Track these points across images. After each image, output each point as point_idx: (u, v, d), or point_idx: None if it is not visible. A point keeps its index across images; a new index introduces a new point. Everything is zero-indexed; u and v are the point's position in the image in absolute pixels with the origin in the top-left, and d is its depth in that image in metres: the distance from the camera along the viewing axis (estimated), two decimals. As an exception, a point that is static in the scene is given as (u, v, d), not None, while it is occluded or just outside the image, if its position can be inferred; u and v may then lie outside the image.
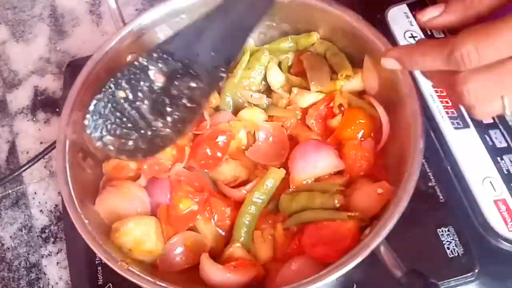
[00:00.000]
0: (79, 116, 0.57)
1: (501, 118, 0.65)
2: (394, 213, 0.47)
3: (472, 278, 0.55)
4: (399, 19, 0.73)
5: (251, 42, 0.68)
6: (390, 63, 0.42)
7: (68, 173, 0.53)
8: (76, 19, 0.89)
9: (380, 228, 0.46)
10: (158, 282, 0.47)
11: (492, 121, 0.64)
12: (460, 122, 0.64)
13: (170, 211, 0.56)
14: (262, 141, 0.61)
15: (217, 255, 0.55)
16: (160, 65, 0.50)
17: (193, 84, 0.50)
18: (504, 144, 0.62)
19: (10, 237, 0.69)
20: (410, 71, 0.53)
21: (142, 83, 0.50)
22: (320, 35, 0.64)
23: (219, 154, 0.58)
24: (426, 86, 0.64)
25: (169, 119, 0.50)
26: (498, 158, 0.61)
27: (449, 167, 0.62)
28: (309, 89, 0.61)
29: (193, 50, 0.49)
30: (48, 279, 0.66)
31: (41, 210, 0.71)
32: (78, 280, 0.62)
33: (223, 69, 0.49)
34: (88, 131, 0.49)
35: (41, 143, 0.76)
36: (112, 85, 0.50)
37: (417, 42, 0.41)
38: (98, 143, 0.49)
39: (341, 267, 0.45)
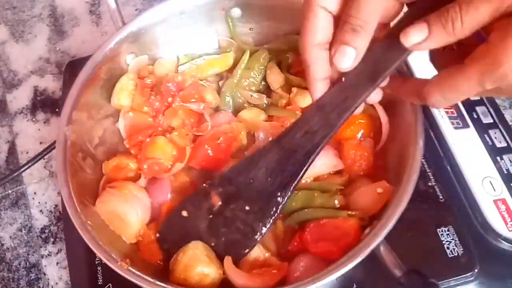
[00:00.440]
0: (79, 116, 0.57)
1: (501, 118, 0.65)
2: (394, 213, 0.47)
3: (471, 278, 0.55)
4: (399, 18, 0.73)
5: (251, 42, 0.68)
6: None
7: (68, 173, 0.53)
8: (75, 19, 0.89)
9: (380, 228, 0.46)
10: (158, 282, 0.47)
11: (491, 120, 0.64)
12: (460, 122, 0.64)
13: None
14: (261, 141, 0.61)
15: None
16: (220, 189, 0.53)
17: (247, 208, 0.51)
18: (504, 144, 0.63)
19: (10, 237, 0.69)
20: (408, 68, 0.55)
21: (202, 204, 0.53)
22: (320, 35, 0.64)
23: (220, 156, 0.58)
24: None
25: (222, 239, 0.52)
26: (498, 158, 0.61)
27: (448, 167, 0.62)
28: (308, 89, 0.61)
29: (249, 176, 0.51)
30: (48, 279, 0.66)
31: (41, 210, 0.71)
32: (78, 280, 0.62)
33: (279, 194, 0.50)
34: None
35: (40, 143, 0.76)
36: (178, 207, 0.54)
37: (404, 81, 0.47)
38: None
39: (341, 267, 0.45)
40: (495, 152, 0.62)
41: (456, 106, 0.65)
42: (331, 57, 0.44)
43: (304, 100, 0.61)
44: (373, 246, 0.45)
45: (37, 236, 0.69)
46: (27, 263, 0.67)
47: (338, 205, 0.54)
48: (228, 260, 0.51)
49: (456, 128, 0.64)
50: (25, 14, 0.90)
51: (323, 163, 0.56)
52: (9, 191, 0.73)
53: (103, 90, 0.61)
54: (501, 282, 0.56)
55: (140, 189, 0.57)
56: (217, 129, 0.59)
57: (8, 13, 0.91)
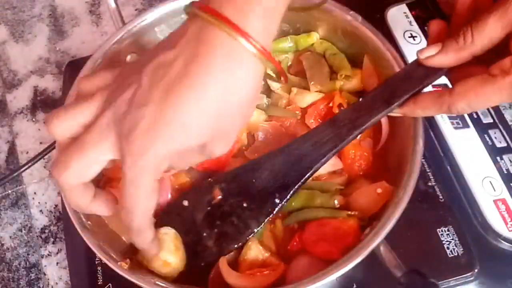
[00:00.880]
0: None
1: (501, 118, 0.65)
2: (394, 213, 0.47)
3: (471, 278, 0.55)
4: (399, 19, 0.73)
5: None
6: (395, 115, 0.49)
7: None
8: (75, 19, 0.89)
9: (380, 228, 0.46)
10: (158, 282, 0.47)
11: (491, 120, 0.64)
12: (460, 122, 0.64)
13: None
14: (261, 141, 0.61)
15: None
16: (222, 184, 0.53)
17: (244, 204, 0.52)
18: (504, 144, 0.63)
19: (10, 237, 0.69)
20: None
21: (204, 196, 0.54)
22: (319, 35, 0.64)
23: (222, 157, 0.58)
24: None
25: (215, 230, 0.52)
26: (498, 158, 0.61)
27: (448, 167, 0.62)
28: (308, 89, 0.61)
29: (253, 176, 0.52)
30: (48, 279, 0.66)
31: (40, 210, 0.71)
32: (78, 280, 0.62)
33: (277, 195, 0.50)
34: None
35: (40, 143, 0.76)
36: (181, 196, 0.55)
37: (418, 98, 0.46)
38: None
39: (341, 267, 0.45)
40: (495, 152, 0.62)
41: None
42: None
43: (304, 100, 0.61)
44: (373, 246, 0.45)
45: (37, 236, 0.69)
46: (27, 263, 0.67)
47: (337, 205, 0.54)
48: (223, 260, 0.51)
49: (456, 128, 0.64)
50: (25, 14, 0.90)
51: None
52: (9, 191, 0.73)
53: (103, 90, 0.61)
54: (501, 282, 0.56)
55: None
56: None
57: (8, 13, 0.91)
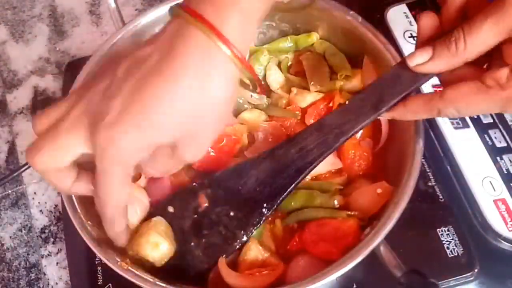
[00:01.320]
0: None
1: (501, 118, 0.65)
2: (394, 213, 0.47)
3: (471, 278, 0.55)
4: (399, 19, 0.73)
5: (251, 42, 0.68)
6: (383, 117, 0.48)
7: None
8: (75, 19, 0.89)
9: (380, 228, 0.46)
10: (158, 282, 0.47)
11: (491, 120, 0.64)
12: (460, 122, 0.64)
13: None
14: (261, 141, 0.61)
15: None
16: (208, 190, 0.53)
17: (232, 213, 0.51)
18: (504, 144, 0.63)
19: (10, 237, 0.69)
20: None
21: (190, 203, 0.53)
22: (319, 35, 0.64)
23: (223, 158, 0.58)
24: (425, 85, 0.64)
25: (203, 240, 0.52)
26: (498, 158, 0.61)
27: (448, 167, 0.62)
28: (308, 89, 0.61)
29: (239, 182, 0.51)
30: (48, 279, 0.66)
31: (40, 210, 0.71)
32: (78, 280, 0.62)
33: (265, 205, 0.50)
34: None
35: (40, 143, 0.76)
36: (165, 202, 0.54)
37: (408, 101, 0.45)
38: None
39: (341, 267, 0.45)
40: (495, 152, 0.62)
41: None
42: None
43: (304, 100, 0.61)
44: (373, 246, 0.45)
45: (37, 236, 0.69)
46: (27, 263, 0.67)
47: (337, 205, 0.54)
48: (222, 260, 0.50)
49: (456, 128, 0.64)
50: (25, 14, 0.90)
51: (322, 162, 0.56)
52: (9, 191, 0.73)
53: (103, 90, 0.61)
54: (501, 282, 0.56)
55: (140, 189, 0.57)
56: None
57: (8, 13, 0.91)
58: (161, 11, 0.62)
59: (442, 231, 0.58)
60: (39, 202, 0.71)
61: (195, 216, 0.53)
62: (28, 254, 0.68)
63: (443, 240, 0.57)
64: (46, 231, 0.69)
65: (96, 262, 0.61)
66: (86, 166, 0.43)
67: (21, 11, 0.91)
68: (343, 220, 0.51)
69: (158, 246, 0.50)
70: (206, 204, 0.52)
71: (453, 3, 0.43)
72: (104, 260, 0.48)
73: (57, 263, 0.67)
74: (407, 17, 0.74)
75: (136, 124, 0.37)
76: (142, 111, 0.37)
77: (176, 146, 0.40)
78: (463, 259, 0.56)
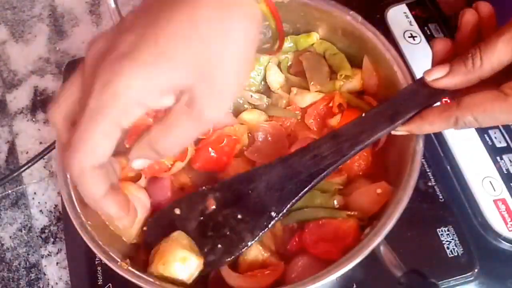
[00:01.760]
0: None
1: (501, 118, 0.65)
2: (394, 213, 0.47)
3: (471, 278, 0.55)
4: (399, 19, 0.73)
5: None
6: (399, 133, 0.48)
7: (68, 173, 0.53)
8: (75, 19, 0.89)
9: (380, 228, 0.46)
10: (158, 282, 0.47)
11: (491, 121, 0.64)
12: (460, 122, 0.64)
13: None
14: (261, 141, 0.61)
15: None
16: (217, 193, 0.52)
17: (239, 216, 0.50)
18: (504, 144, 0.63)
19: (10, 237, 0.69)
20: (408, 69, 0.54)
21: (197, 205, 0.53)
22: (319, 35, 0.64)
23: (224, 158, 0.58)
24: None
25: (208, 242, 0.51)
26: (498, 158, 0.61)
27: (448, 167, 0.62)
28: (308, 89, 0.61)
29: (249, 187, 0.51)
30: (48, 279, 0.66)
31: (40, 210, 0.71)
32: (78, 280, 0.62)
33: (274, 209, 0.49)
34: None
35: (40, 143, 0.76)
36: (173, 204, 0.54)
37: (423, 113, 0.45)
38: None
39: (341, 267, 0.45)
40: (495, 152, 0.62)
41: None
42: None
43: (304, 100, 0.61)
44: (373, 246, 0.45)
45: (37, 236, 0.69)
46: (27, 263, 0.67)
47: (337, 205, 0.54)
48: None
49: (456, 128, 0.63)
50: (25, 14, 0.90)
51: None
52: (9, 191, 0.73)
53: (103, 90, 0.61)
54: (501, 282, 0.56)
55: (140, 189, 0.57)
56: (220, 132, 0.59)
57: (8, 13, 0.91)
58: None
59: (442, 231, 0.58)
60: (39, 202, 0.71)
61: (201, 218, 0.52)
62: (28, 254, 0.68)
63: (443, 240, 0.57)
64: (46, 231, 0.69)
65: (96, 262, 0.61)
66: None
67: (21, 11, 0.91)
68: (343, 220, 0.51)
69: (186, 261, 0.48)
70: (213, 207, 0.52)
71: (467, 28, 0.45)
72: (104, 260, 0.48)
73: (57, 263, 0.67)
74: (407, 17, 0.74)
75: (149, 56, 0.33)
76: (156, 43, 0.33)
77: (193, 99, 0.35)
78: (463, 259, 0.56)
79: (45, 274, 0.66)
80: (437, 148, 0.63)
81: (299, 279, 0.47)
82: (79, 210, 0.51)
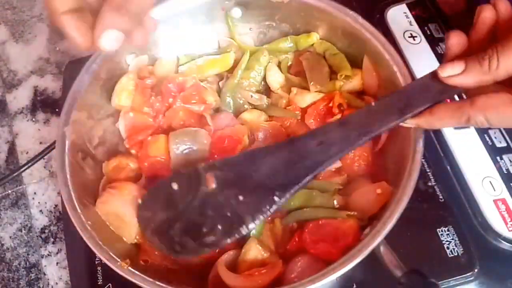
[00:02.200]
0: (79, 116, 0.57)
1: (501, 118, 0.65)
2: (394, 213, 0.47)
3: (471, 278, 0.55)
4: (399, 19, 0.73)
5: (251, 42, 0.68)
6: (408, 125, 0.47)
7: (68, 173, 0.53)
8: (75, 19, 0.89)
9: (380, 228, 0.46)
10: (158, 282, 0.47)
11: (491, 121, 0.64)
12: (460, 122, 0.64)
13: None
14: (261, 141, 0.61)
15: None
16: (218, 172, 0.51)
17: (240, 197, 0.49)
18: (504, 144, 0.63)
19: (10, 237, 0.69)
20: (408, 69, 0.54)
21: (196, 182, 0.51)
22: (319, 35, 0.64)
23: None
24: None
25: (207, 221, 0.49)
26: (498, 158, 0.61)
27: (448, 167, 0.62)
28: (308, 89, 0.61)
29: (251, 168, 0.50)
30: (48, 279, 0.66)
31: (40, 210, 0.71)
32: (78, 280, 0.62)
33: (277, 193, 0.48)
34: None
35: (40, 143, 0.76)
36: (171, 177, 0.53)
37: (434, 109, 0.45)
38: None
39: (341, 267, 0.45)
40: (495, 152, 0.62)
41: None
42: None
43: (304, 100, 0.61)
44: (373, 246, 0.45)
45: (37, 236, 0.69)
46: (27, 263, 0.67)
47: (337, 205, 0.54)
48: (221, 262, 0.50)
49: (456, 128, 0.63)
50: (25, 14, 0.90)
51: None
52: (9, 191, 0.73)
53: (103, 90, 0.61)
54: (501, 282, 0.56)
55: (141, 189, 0.57)
56: (222, 132, 0.59)
57: (8, 13, 0.91)
58: (161, 11, 0.62)
59: (442, 231, 0.58)
60: (39, 202, 0.71)
61: (201, 196, 0.50)
62: (28, 254, 0.68)
63: (443, 240, 0.57)
64: (46, 231, 0.69)
65: (96, 262, 0.61)
66: None
67: (21, 11, 0.91)
68: (343, 220, 0.51)
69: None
70: (214, 185, 0.50)
71: (483, 25, 0.44)
72: (104, 260, 0.48)
73: (57, 263, 0.67)
74: (407, 17, 0.74)
75: None
76: None
77: None
78: (463, 259, 0.56)
79: (45, 274, 0.66)
80: (437, 148, 0.63)
81: (299, 279, 0.47)
82: (79, 210, 0.51)
